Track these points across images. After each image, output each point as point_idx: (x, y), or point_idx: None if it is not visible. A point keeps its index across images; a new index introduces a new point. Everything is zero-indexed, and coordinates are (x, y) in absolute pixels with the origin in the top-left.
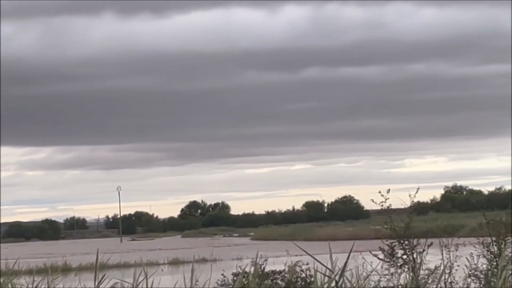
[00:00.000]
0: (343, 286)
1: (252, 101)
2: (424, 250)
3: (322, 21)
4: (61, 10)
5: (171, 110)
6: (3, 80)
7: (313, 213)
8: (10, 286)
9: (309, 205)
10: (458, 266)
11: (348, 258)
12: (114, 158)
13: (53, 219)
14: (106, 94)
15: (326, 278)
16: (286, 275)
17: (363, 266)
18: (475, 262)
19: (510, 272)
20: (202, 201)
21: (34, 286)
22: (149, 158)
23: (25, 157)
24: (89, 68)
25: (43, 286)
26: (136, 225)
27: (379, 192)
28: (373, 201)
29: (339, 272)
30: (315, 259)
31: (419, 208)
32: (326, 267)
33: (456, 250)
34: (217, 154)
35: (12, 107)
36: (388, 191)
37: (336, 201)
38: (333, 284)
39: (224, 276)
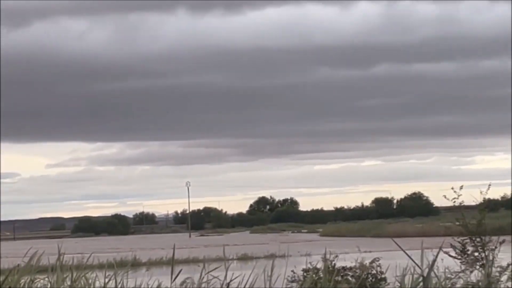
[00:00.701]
0: (429, 284)
1: (324, 97)
2: (496, 248)
3: (395, 17)
4: (135, 7)
5: (242, 106)
6: (77, 76)
7: (382, 209)
8: (84, 280)
9: (378, 202)
10: None
11: (437, 254)
12: (184, 154)
13: (122, 214)
14: (178, 90)
15: (398, 276)
16: (356, 271)
17: (434, 263)
18: None
19: None
20: (270, 197)
21: (106, 281)
22: (219, 153)
23: (95, 152)
24: (162, 64)
25: (113, 281)
26: (204, 221)
27: (452, 188)
28: (445, 197)
29: (427, 269)
30: (409, 256)
31: (490, 205)
32: (416, 264)
33: None
34: (287, 150)
35: (84, 103)
36: (461, 187)
37: (405, 197)
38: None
39: (294, 272)
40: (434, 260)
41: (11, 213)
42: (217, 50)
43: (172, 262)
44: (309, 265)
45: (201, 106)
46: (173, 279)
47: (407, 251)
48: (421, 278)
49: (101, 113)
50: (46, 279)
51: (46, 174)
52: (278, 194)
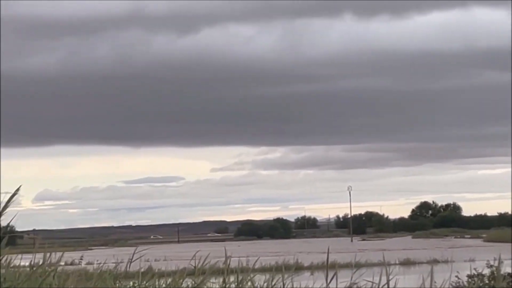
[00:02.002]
0: None
1: (490, 101)
2: None
3: None
4: (301, 12)
5: (406, 110)
6: (244, 80)
7: None
8: (250, 283)
9: None
10: None
11: None
12: (347, 158)
13: (284, 218)
14: (343, 94)
15: None
16: None
17: None
18: None
19: None
20: (433, 201)
21: (272, 284)
22: (382, 158)
23: (260, 157)
24: (327, 68)
25: (279, 284)
26: (366, 225)
27: None
28: None
29: None
30: None
31: None
32: None
33: None
34: (451, 154)
35: (250, 107)
36: None
37: None
38: None
39: (459, 278)
40: None
41: (175, 216)
42: (383, 54)
43: (326, 265)
44: (473, 271)
45: (365, 110)
46: (328, 282)
47: None
48: None
49: (266, 117)
50: (213, 281)
51: (211, 178)
52: (441, 199)
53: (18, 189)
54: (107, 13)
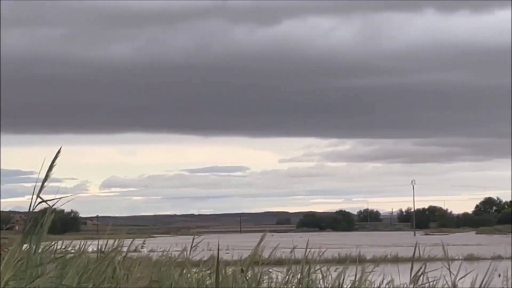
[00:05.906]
0: None
1: None
2: None
3: None
4: (383, 6)
5: (479, 105)
6: (320, 72)
7: None
8: (315, 274)
9: None
10: None
11: None
12: (415, 152)
13: (347, 210)
14: (416, 88)
15: None
16: None
17: None
18: None
19: None
20: (497, 197)
21: (334, 275)
22: (451, 152)
23: (329, 148)
24: (404, 62)
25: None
26: (429, 220)
27: None
28: None
29: None
30: None
31: None
32: None
33: None
34: None
35: (322, 99)
36: None
37: None
38: None
39: None
40: None
41: (238, 206)
42: (461, 49)
43: (412, 258)
44: None
45: (438, 104)
46: (411, 275)
47: None
48: None
49: (338, 110)
50: (276, 271)
51: (278, 168)
52: (506, 195)
53: (59, 151)
54: (189, 3)
